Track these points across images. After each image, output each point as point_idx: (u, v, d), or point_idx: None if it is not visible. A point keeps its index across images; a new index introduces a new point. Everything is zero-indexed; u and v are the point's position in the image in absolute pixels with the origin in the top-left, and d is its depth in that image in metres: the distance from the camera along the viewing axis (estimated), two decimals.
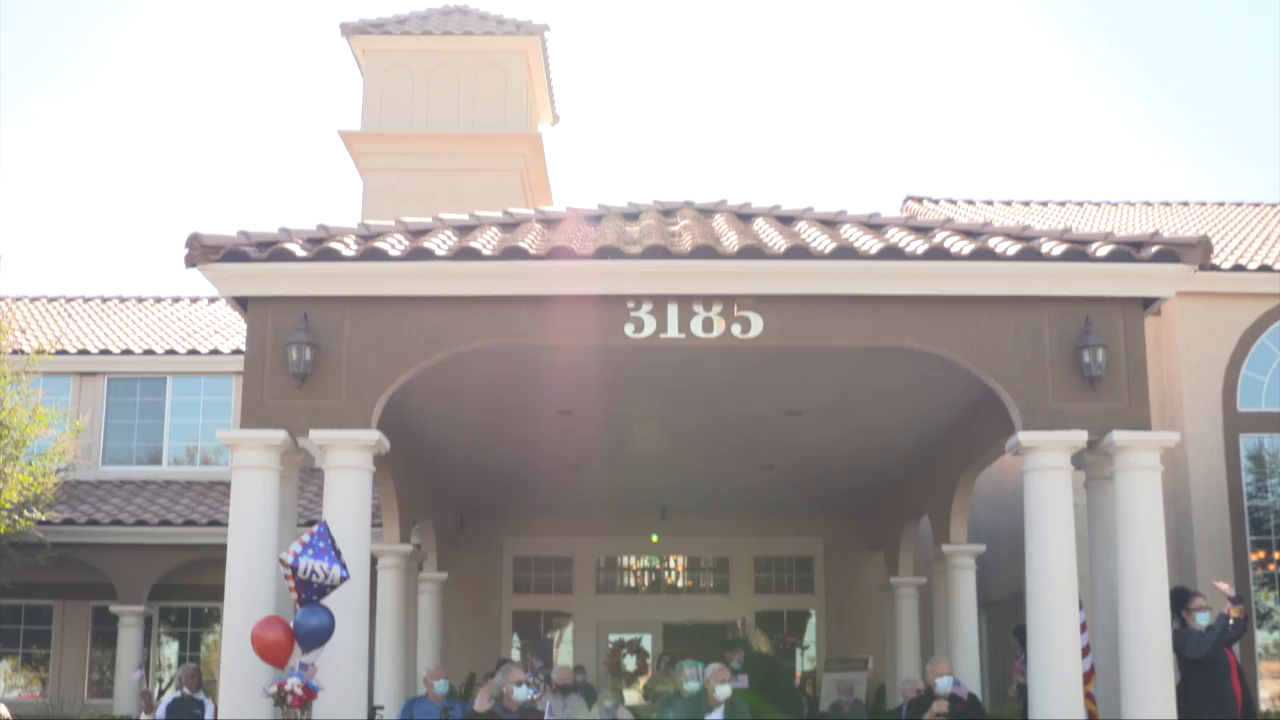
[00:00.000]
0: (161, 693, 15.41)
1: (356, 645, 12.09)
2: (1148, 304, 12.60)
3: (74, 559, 20.85)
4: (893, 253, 12.14)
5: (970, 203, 24.76)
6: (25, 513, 19.18)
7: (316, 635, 11.36)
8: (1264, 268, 17.95)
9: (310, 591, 11.40)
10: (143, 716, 14.74)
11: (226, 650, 12.11)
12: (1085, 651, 12.57)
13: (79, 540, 20.74)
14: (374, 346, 12.36)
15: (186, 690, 14.75)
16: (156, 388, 23.90)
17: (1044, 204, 25.28)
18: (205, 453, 23.76)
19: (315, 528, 11.58)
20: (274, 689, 11.25)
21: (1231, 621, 12.38)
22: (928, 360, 12.89)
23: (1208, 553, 17.39)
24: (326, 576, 11.39)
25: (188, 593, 21.98)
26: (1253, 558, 17.63)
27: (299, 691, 11.19)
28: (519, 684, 12.72)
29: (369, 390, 12.30)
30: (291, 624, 11.45)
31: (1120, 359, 12.36)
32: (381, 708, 15.42)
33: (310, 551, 11.33)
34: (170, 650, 23.17)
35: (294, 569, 11.29)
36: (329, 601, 11.80)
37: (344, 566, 11.52)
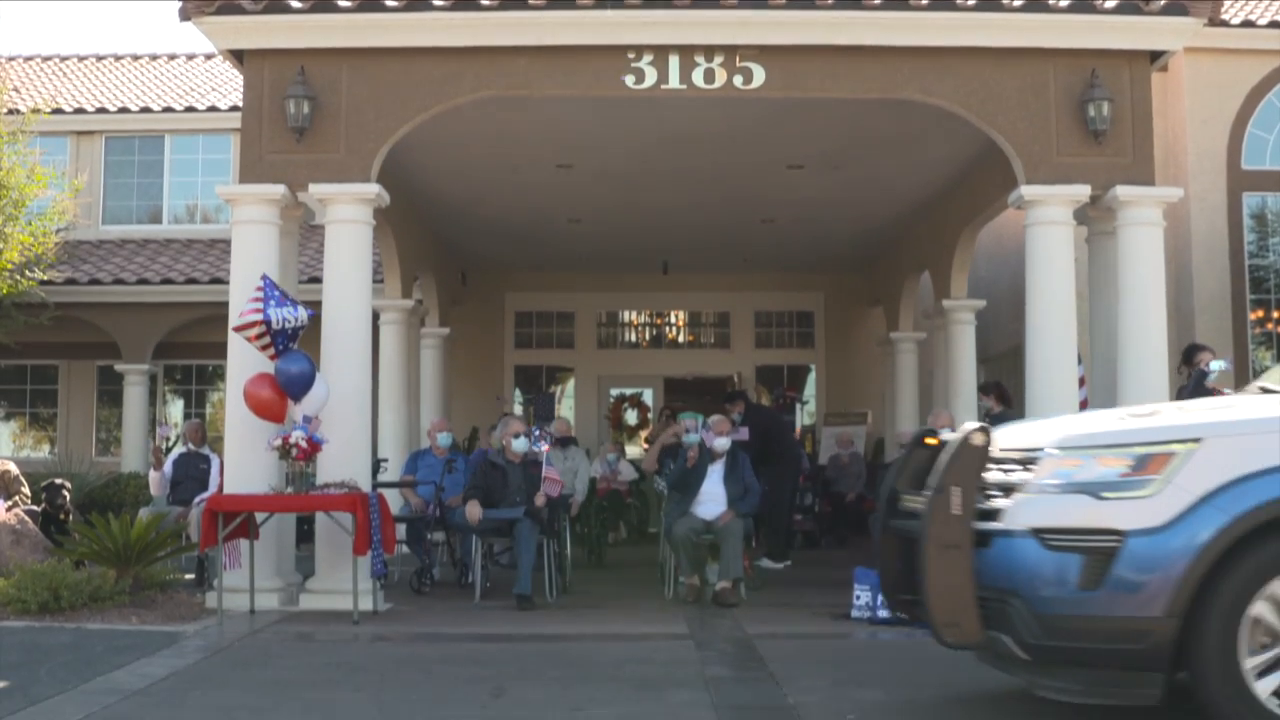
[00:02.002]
0: (168, 449, 15.59)
1: (359, 399, 12.23)
2: (1155, 58, 12.45)
3: (77, 319, 20.95)
4: (898, 2, 11.96)
5: None
6: (27, 273, 19.21)
7: (300, 381, 11.48)
8: (1273, 24, 17.69)
9: (284, 340, 11.50)
10: (151, 472, 14.96)
11: (230, 405, 12.25)
12: (1082, 405, 12.70)
13: (82, 300, 20.80)
14: (372, 99, 12.27)
15: (191, 445, 14.94)
16: (155, 146, 23.73)
17: None
18: (205, 211, 23.70)
19: (260, 283, 11.59)
20: (279, 442, 11.42)
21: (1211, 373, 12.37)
22: (931, 113, 12.78)
23: (1207, 310, 17.48)
24: (297, 320, 11.51)
25: (191, 350, 22.14)
26: (1251, 316, 17.72)
27: (303, 444, 11.35)
28: (517, 435, 12.88)
29: (368, 143, 12.24)
30: (272, 374, 11.57)
31: (1125, 114, 12.27)
32: (385, 460, 15.65)
33: (272, 303, 11.41)
34: (175, 408, 23.43)
35: (267, 323, 11.37)
36: (327, 360, 11.93)
37: (303, 307, 11.64)
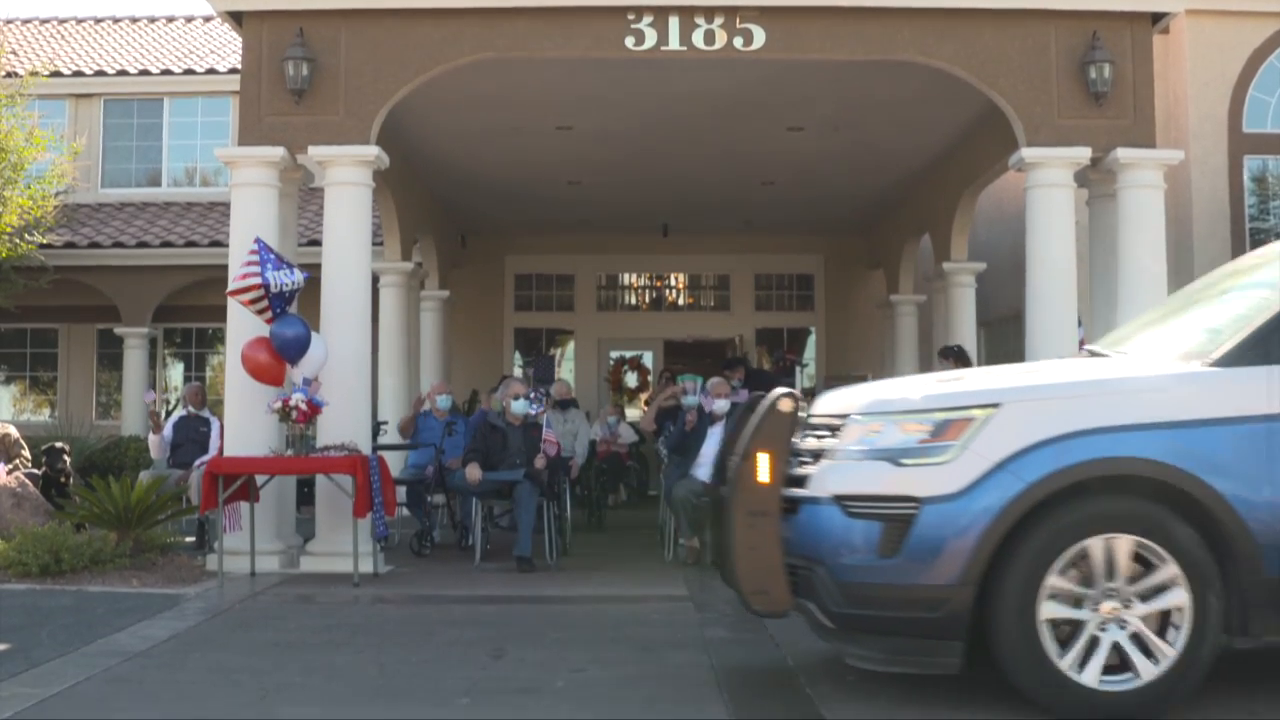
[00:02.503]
0: (169, 413, 15.60)
1: (359, 362, 12.24)
2: (1156, 20, 12.42)
3: (77, 282, 20.93)
4: None
5: None
6: (26, 236, 19.19)
7: (295, 345, 11.49)
8: None
9: (280, 304, 11.50)
10: (150, 435, 14.97)
11: (230, 368, 12.25)
12: None
13: (81, 263, 20.78)
14: (371, 61, 12.23)
15: (191, 409, 14.95)
16: (153, 109, 23.67)
17: None
18: (205, 174, 23.65)
19: (254, 246, 11.58)
20: (279, 405, 11.43)
21: None
22: (932, 75, 12.74)
23: (1207, 273, 17.43)
24: (294, 283, 11.51)
25: (191, 314, 22.12)
26: None
27: (303, 407, 11.37)
28: (517, 398, 12.88)
29: (367, 105, 12.21)
30: (269, 338, 11.57)
31: (1127, 76, 12.24)
32: (385, 423, 15.65)
33: (269, 267, 11.40)
34: (175, 371, 23.42)
35: (265, 286, 11.36)
36: (327, 322, 11.93)
37: (298, 269, 11.64)
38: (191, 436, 14.68)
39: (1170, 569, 5.83)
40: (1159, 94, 13.14)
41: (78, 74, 23.41)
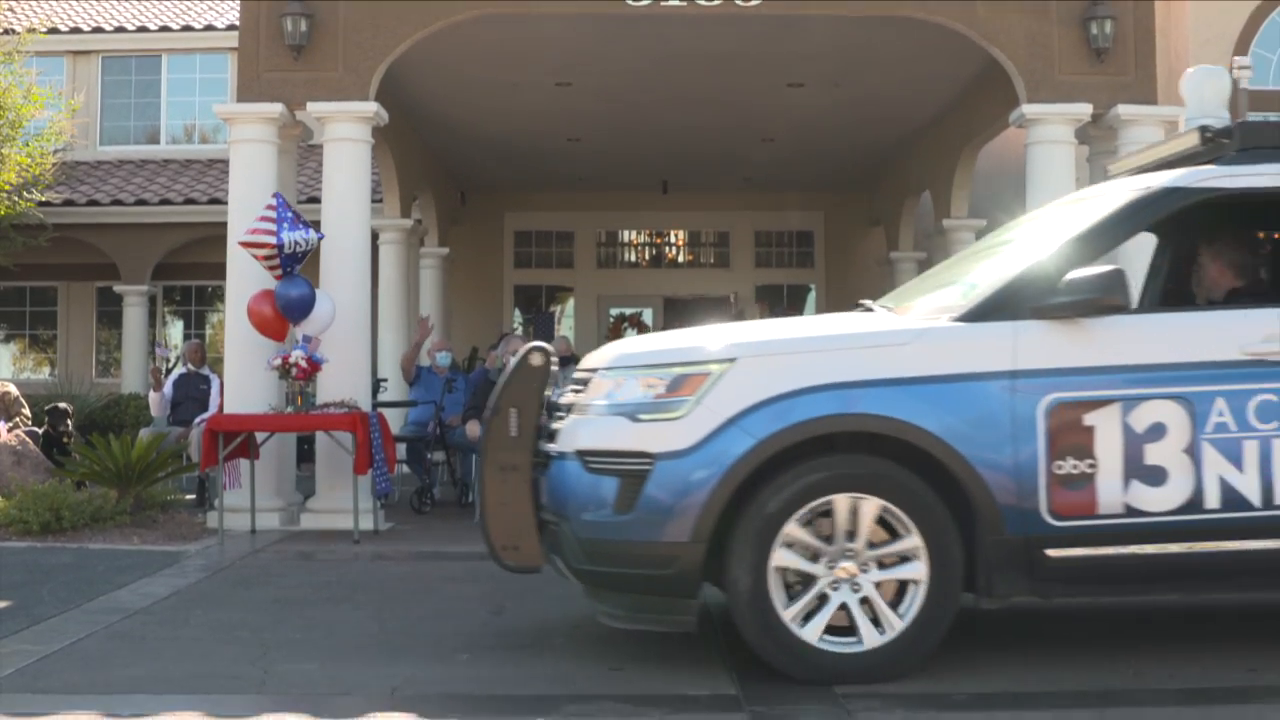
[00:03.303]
0: (169, 370, 15.61)
1: (359, 319, 12.23)
2: None
3: (76, 240, 20.90)
4: None
5: None
6: (25, 194, 19.15)
7: (299, 305, 11.49)
8: None
9: (291, 263, 11.49)
10: (151, 393, 14.98)
11: (230, 325, 12.26)
12: None
13: (80, 221, 20.76)
14: (370, 17, 12.18)
15: (191, 366, 14.96)
16: (152, 66, 23.59)
17: None
18: (203, 131, 23.60)
19: (272, 201, 11.56)
20: (279, 362, 11.43)
21: None
22: (933, 31, 12.67)
23: None
24: (308, 244, 11.50)
25: (190, 271, 22.10)
26: None
27: (303, 364, 11.37)
28: (516, 354, 12.86)
29: (366, 62, 12.17)
30: (274, 297, 11.57)
31: (1128, 32, 12.19)
32: (384, 380, 15.66)
33: (285, 225, 11.38)
34: (175, 329, 23.42)
35: (279, 247, 11.34)
36: (326, 280, 11.92)
37: (314, 229, 11.62)
38: (191, 394, 14.69)
39: (912, 540, 5.79)
40: (1160, 50, 13.07)
41: (75, 31, 23.32)
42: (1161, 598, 7.20)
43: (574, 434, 6.16)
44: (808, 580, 5.85)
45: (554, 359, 6.52)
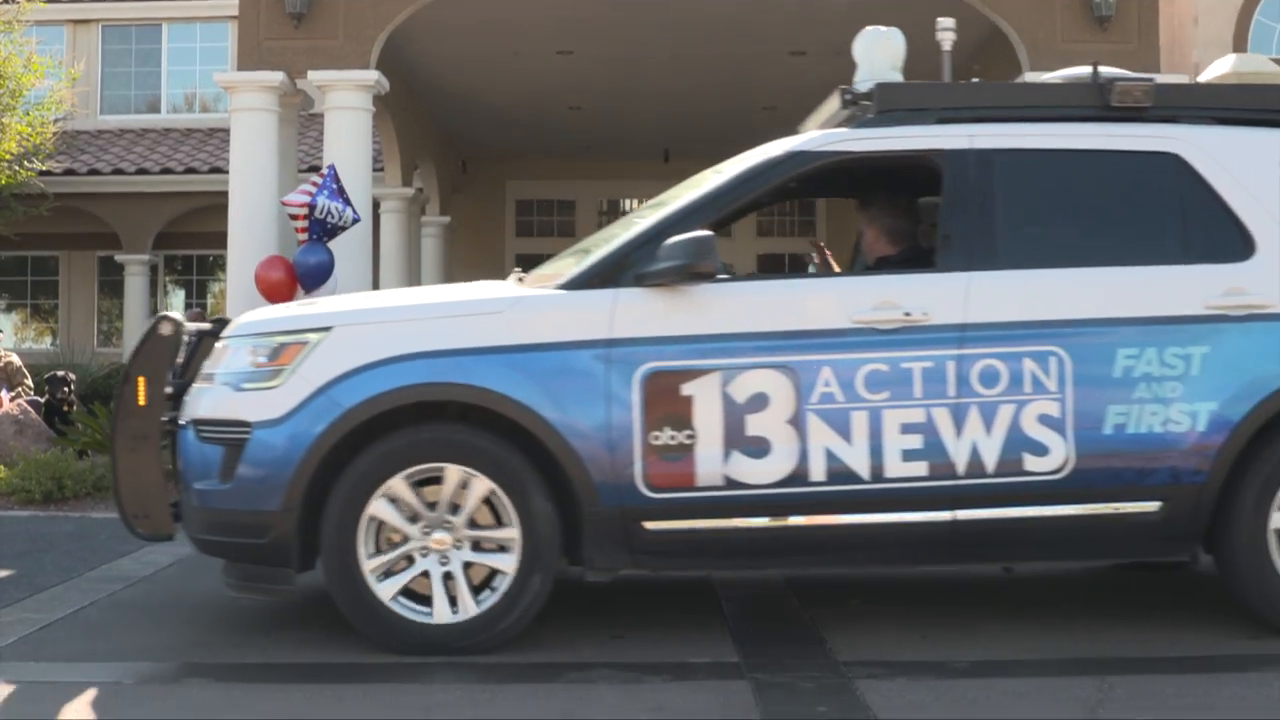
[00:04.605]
0: None
1: (359, 287, 12.22)
2: None
3: (77, 209, 20.89)
4: None
5: None
6: (25, 163, 19.12)
7: (316, 273, 11.50)
8: None
9: (321, 231, 11.50)
10: None
11: (232, 293, 12.26)
12: None
13: (81, 190, 20.76)
14: None
15: None
16: (152, 35, 23.55)
17: None
18: (204, 100, 23.57)
19: (325, 170, 11.63)
20: None
21: None
22: None
23: None
24: (340, 217, 11.52)
25: (191, 240, 22.09)
26: None
27: None
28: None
29: (367, 30, 12.15)
30: (292, 262, 11.58)
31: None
32: None
33: (325, 192, 11.42)
34: (176, 298, 23.42)
35: (311, 206, 11.37)
36: (332, 244, 11.92)
37: (355, 210, 11.63)
38: None
39: (512, 531, 5.75)
40: (1163, 18, 13.05)
41: None
42: (800, 571, 7.30)
43: (193, 404, 6.15)
44: (403, 542, 5.79)
45: (186, 329, 6.47)
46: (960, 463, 5.82)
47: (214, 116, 22.68)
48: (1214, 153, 6.23)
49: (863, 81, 6.67)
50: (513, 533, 5.76)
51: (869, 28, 6.97)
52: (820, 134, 6.41)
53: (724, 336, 5.82)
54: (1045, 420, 5.85)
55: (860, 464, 5.79)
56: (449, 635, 5.78)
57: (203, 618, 6.81)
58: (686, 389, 5.74)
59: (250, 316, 6.43)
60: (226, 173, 12.81)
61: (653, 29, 14.81)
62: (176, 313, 6.59)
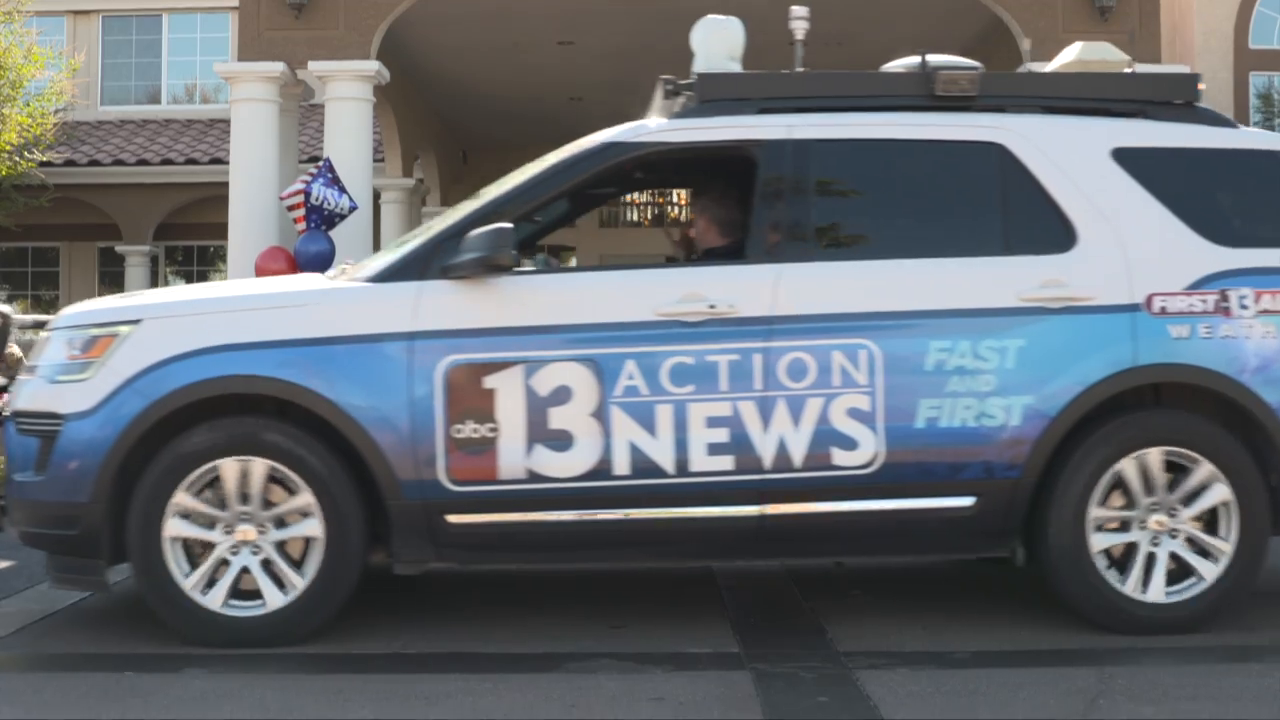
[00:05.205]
0: None
1: None
2: None
3: (77, 200, 20.88)
4: None
5: None
6: (26, 154, 19.11)
7: (317, 262, 11.50)
8: None
9: (318, 219, 11.51)
10: None
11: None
12: None
13: (81, 181, 20.75)
14: None
15: None
16: (152, 25, 23.52)
17: None
18: (204, 90, 23.55)
19: (320, 163, 11.65)
20: None
21: None
22: None
23: None
24: (336, 205, 11.52)
25: (192, 231, 22.10)
26: None
27: None
28: None
29: (367, 20, 12.15)
30: (292, 252, 11.59)
31: None
32: None
33: (320, 181, 11.44)
34: None
35: (307, 194, 11.39)
36: (333, 233, 11.92)
37: (351, 199, 11.64)
38: None
39: (305, 497, 5.72)
40: (1164, 9, 13.04)
41: None
42: (609, 565, 7.24)
43: (17, 395, 6.17)
44: (210, 548, 5.78)
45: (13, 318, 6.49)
46: (767, 457, 5.78)
47: (214, 107, 22.66)
48: (1039, 142, 6.16)
49: (702, 71, 6.58)
50: (307, 498, 5.73)
51: (707, 16, 6.87)
52: (635, 125, 6.37)
53: (527, 329, 5.81)
54: (855, 414, 5.79)
55: (665, 458, 5.76)
56: (282, 618, 5.77)
57: None
58: (489, 382, 5.74)
59: (71, 309, 6.41)
60: (227, 164, 12.81)
61: (653, 20, 14.79)
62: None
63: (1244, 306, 5.98)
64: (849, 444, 5.79)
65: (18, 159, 18.93)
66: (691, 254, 7.25)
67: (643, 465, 5.75)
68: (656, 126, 6.29)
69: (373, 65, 12.13)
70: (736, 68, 6.73)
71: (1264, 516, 5.95)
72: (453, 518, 5.75)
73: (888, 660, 5.55)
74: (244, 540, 5.76)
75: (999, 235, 6.10)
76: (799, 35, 6.88)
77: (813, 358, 5.80)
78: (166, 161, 20.79)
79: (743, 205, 6.39)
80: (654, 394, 5.75)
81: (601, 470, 5.75)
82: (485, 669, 5.49)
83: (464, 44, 15.83)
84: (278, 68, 12.10)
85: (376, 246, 15.48)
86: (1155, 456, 5.92)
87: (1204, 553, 5.94)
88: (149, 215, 21.18)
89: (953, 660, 5.59)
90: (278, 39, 12.17)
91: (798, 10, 6.86)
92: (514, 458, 5.73)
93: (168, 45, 23.47)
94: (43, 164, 19.55)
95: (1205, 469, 5.92)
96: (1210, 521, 5.96)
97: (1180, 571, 5.94)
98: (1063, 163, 6.14)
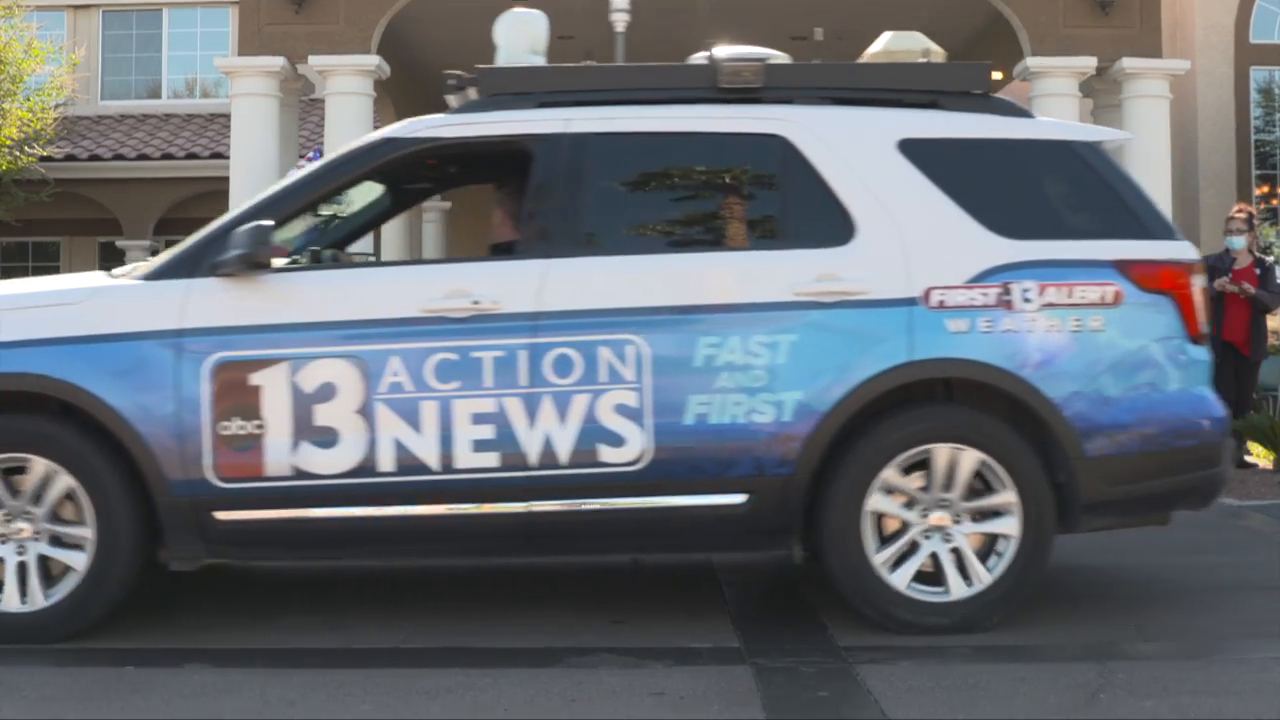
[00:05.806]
0: None
1: None
2: None
3: (78, 195, 20.85)
4: None
5: None
6: (26, 149, 19.09)
7: None
8: None
9: None
10: None
11: None
12: None
13: (82, 176, 20.71)
14: None
15: None
16: (152, 20, 23.50)
17: None
18: (205, 85, 23.54)
19: (310, 154, 11.64)
20: None
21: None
22: None
23: (1212, 186, 17.37)
24: None
25: (192, 226, 21.38)
26: (1257, 192, 17.62)
27: None
28: None
29: (367, 14, 12.16)
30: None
31: None
32: None
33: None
34: None
35: None
36: None
37: None
38: None
39: (81, 496, 5.74)
40: (1165, 3, 13.04)
41: None
42: (379, 561, 7.20)
43: None
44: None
45: None
46: (533, 454, 5.74)
47: (215, 102, 22.63)
48: (822, 134, 6.07)
49: (504, 64, 6.57)
50: (87, 532, 5.74)
51: (510, 10, 6.84)
52: (412, 121, 6.31)
53: (293, 326, 5.79)
54: (622, 410, 5.74)
55: (430, 455, 5.73)
56: (41, 618, 5.77)
57: (204, 604, 6.81)
58: (255, 379, 5.72)
59: None
60: (227, 158, 12.82)
61: (653, 14, 14.77)
62: None
63: (1027, 300, 5.84)
64: (616, 440, 5.74)
65: (18, 154, 18.91)
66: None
67: (408, 462, 5.73)
68: (432, 122, 6.21)
69: (373, 60, 12.13)
70: (539, 61, 6.70)
71: (1047, 513, 5.85)
72: (221, 515, 5.75)
73: (889, 655, 5.55)
74: (12, 537, 5.76)
75: (776, 229, 6.08)
76: (619, 28, 6.82)
77: (579, 354, 5.75)
78: (167, 156, 20.76)
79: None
80: (419, 390, 5.72)
81: (367, 467, 5.73)
82: (485, 664, 5.48)
83: (464, 38, 15.74)
84: (278, 62, 12.10)
85: (377, 241, 15.47)
86: (943, 454, 5.82)
87: (987, 555, 5.89)
88: (149, 210, 21.15)
89: (953, 655, 5.58)
90: (278, 34, 12.17)
91: (617, 3, 6.80)
92: (280, 455, 5.72)
93: (168, 40, 23.45)
94: (43, 159, 19.53)
95: (972, 457, 5.82)
96: (993, 515, 5.87)
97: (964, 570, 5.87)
98: (846, 154, 6.03)
